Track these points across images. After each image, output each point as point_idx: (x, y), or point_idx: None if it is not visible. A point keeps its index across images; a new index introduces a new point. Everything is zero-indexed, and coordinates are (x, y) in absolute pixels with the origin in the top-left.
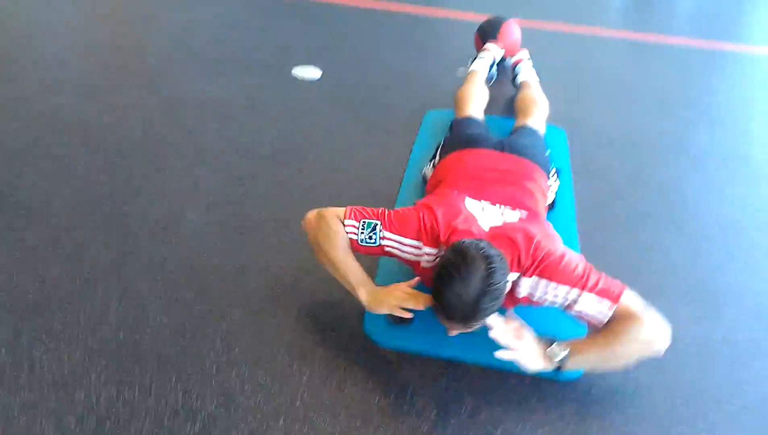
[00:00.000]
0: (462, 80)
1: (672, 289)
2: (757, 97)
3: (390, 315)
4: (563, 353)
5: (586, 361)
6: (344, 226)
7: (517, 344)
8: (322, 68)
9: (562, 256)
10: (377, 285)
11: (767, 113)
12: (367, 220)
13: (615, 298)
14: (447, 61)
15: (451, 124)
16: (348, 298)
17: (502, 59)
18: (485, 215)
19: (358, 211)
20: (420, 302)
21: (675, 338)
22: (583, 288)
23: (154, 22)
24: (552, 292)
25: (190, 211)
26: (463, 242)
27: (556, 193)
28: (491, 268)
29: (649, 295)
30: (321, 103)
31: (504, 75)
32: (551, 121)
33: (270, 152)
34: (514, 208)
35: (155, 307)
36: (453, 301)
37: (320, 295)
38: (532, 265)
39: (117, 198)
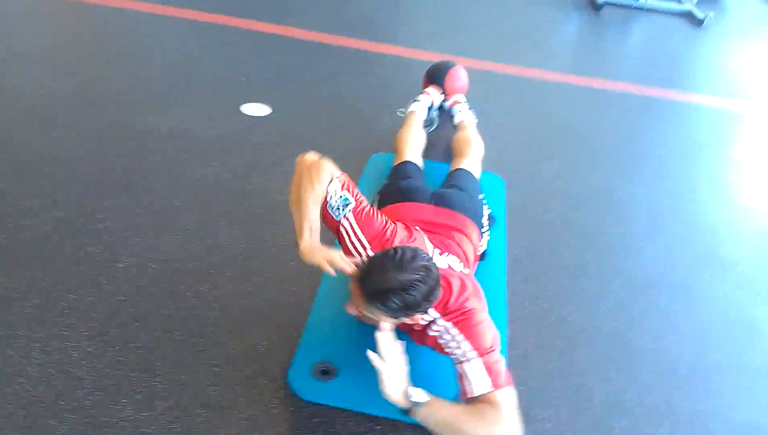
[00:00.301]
0: (402, 120)
1: (590, 345)
2: (695, 147)
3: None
4: (421, 400)
5: (435, 420)
6: (330, 183)
7: (389, 361)
8: (270, 103)
9: (482, 321)
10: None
11: (701, 164)
12: (347, 196)
13: (498, 384)
14: (395, 100)
15: (390, 170)
16: (271, 346)
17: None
18: (433, 256)
19: (348, 183)
20: (346, 267)
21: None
22: (481, 356)
23: (109, 51)
24: (456, 344)
25: (125, 256)
26: (420, 250)
27: (488, 242)
28: (424, 279)
29: (566, 348)
30: (268, 140)
31: (446, 118)
32: (490, 166)
33: (209, 186)
34: (459, 259)
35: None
36: (374, 274)
37: (243, 340)
38: (454, 312)
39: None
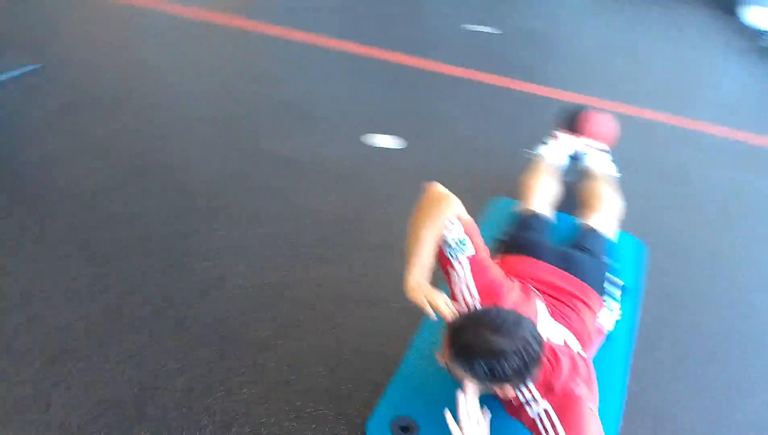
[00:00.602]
0: (530, 163)
1: None
2: None
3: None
4: None
5: None
6: (451, 222)
7: (466, 427)
8: (400, 136)
9: (588, 414)
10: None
11: None
12: (468, 240)
13: None
14: (528, 141)
15: (515, 218)
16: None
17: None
18: (546, 325)
19: (472, 227)
20: (448, 314)
21: None
22: None
23: (250, 71)
24: (553, 432)
25: (235, 274)
26: (527, 320)
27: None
28: (520, 351)
29: None
30: (394, 173)
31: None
32: (630, 226)
33: (329, 220)
34: (577, 336)
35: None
36: (468, 329)
37: (331, 377)
38: (558, 395)
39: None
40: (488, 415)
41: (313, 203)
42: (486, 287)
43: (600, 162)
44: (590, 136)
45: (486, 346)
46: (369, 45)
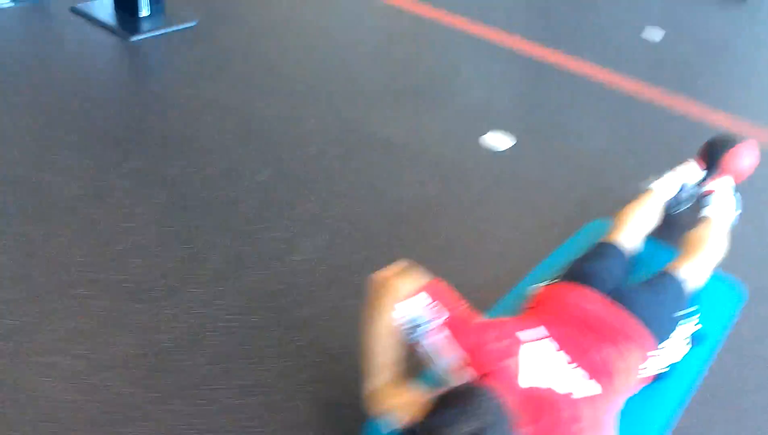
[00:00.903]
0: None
1: None
2: None
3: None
4: None
5: None
6: (396, 310)
7: None
8: (516, 136)
9: None
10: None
11: None
12: (419, 315)
13: None
14: (659, 163)
15: (592, 245)
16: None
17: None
18: (550, 367)
19: (433, 289)
20: (400, 421)
21: None
22: None
23: (390, 47)
24: None
25: (302, 250)
26: (478, 388)
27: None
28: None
29: None
30: (492, 175)
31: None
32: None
33: (405, 211)
34: (590, 377)
35: None
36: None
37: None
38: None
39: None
40: None
41: (395, 188)
42: (472, 345)
43: (722, 204)
44: (728, 173)
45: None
46: (518, 35)
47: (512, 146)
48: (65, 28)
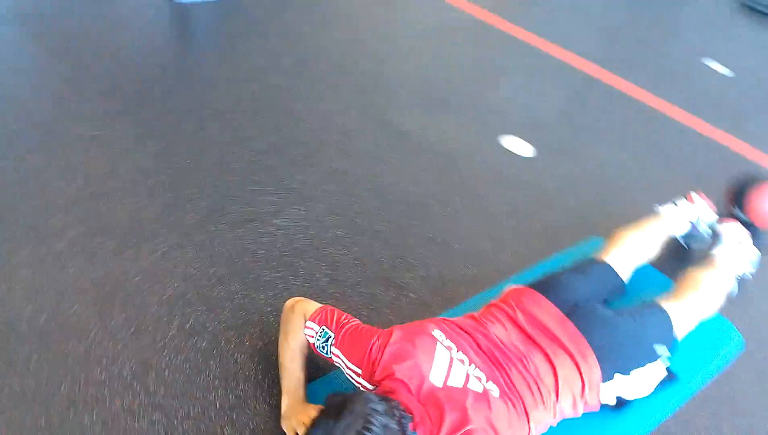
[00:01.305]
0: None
1: None
2: None
3: None
4: None
5: None
6: (306, 327)
7: None
8: (536, 146)
9: None
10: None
11: None
12: (325, 329)
13: None
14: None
15: (579, 260)
16: None
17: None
18: (454, 370)
19: (325, 314)
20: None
21: None
22: None
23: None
24: None
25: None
26: (357, 394)
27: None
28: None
29: None
30: (502, 181)
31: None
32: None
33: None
34: (507, 392)
35: None
36: None
37: None
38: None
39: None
40: None
41: (404, 181)
42: (358, 358)
43: (734, 250)
44: (752, 214)
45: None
46: (573, 51)
47: (527, 153)
48: None
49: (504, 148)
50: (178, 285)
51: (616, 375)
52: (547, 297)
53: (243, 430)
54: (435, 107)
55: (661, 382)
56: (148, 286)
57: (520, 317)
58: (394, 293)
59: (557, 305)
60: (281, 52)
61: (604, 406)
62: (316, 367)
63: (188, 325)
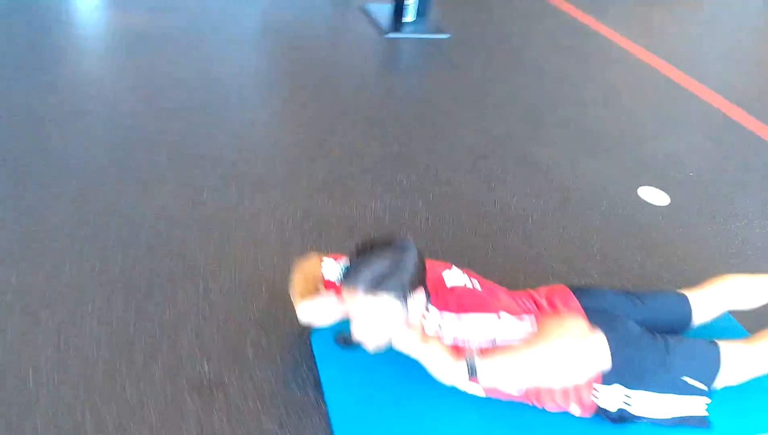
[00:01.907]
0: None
1: None
2: None
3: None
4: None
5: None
6: (323, 261)
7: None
8: (672, 196)
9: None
10: None
11: None
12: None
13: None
14: None
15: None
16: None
17: None
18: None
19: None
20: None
21: None
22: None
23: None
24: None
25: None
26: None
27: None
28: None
29: None
30: (629, 229)
31: None
32: None
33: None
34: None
35: None
36: (350, 267)
37: None
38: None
39: None
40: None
41: (504, 202)
42: None
43: None
44: None
45: (363, 262)
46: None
47: (662, 202)
48: (348, 16)
49: (641, 196)
50: None
51: (616, 385)
52: (579, 300)
53: None
54: (569, 138)
55: (688, 422)
56: None
57: (543, 303)
58: None
59: (584, 307)
60: (471, 96)
61: (603, 419)
62: None
63: None
